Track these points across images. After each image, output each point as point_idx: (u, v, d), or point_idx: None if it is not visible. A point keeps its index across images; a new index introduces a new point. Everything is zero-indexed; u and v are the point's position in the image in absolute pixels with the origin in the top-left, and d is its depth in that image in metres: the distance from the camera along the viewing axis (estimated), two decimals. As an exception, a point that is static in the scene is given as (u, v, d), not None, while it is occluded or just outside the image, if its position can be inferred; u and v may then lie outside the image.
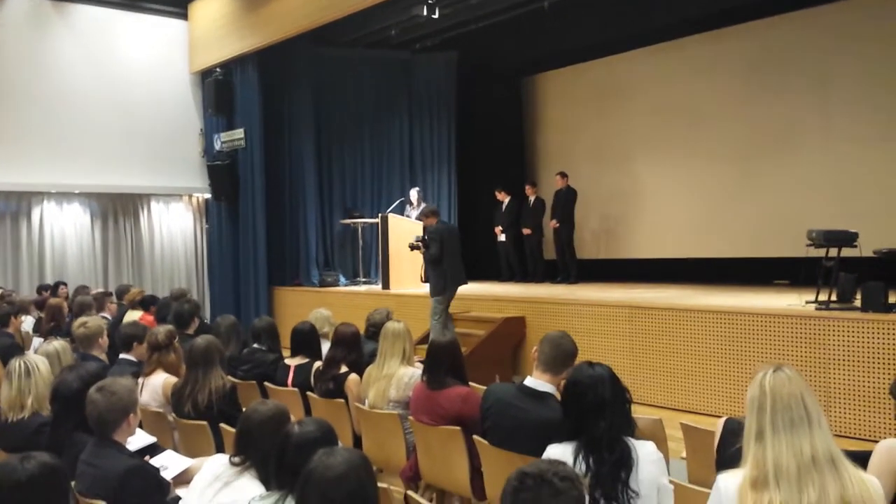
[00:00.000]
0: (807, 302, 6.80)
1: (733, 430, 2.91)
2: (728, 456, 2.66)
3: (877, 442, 2.83)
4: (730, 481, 2.21)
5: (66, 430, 3.34)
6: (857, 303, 6.42)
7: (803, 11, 9.90)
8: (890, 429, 5.48)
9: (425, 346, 4.32)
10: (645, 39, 11.52)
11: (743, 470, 2.18)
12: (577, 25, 11.11)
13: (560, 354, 3.31)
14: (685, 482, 2.98)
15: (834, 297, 6.62)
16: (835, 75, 9.72)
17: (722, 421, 3.14)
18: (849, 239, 6.83)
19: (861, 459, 2.40)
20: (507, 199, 11.87)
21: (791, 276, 9.15)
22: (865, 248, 6.76)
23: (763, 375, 2.23)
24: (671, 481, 2.75)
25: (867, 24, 9.40)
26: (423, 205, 11.77)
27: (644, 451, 2.68)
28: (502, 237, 11.87)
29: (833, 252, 6.89)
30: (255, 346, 5.55)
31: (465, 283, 8.62)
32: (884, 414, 5.82)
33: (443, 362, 4.07)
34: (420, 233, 11.14)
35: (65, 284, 10.61)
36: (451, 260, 8.35)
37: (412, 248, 8.79)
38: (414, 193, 11.87)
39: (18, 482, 2.23)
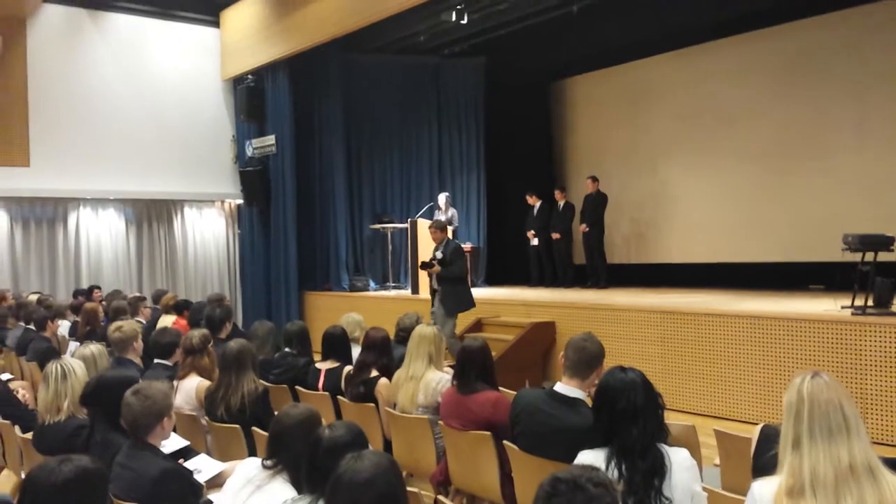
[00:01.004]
0: (843, 307, 6.69)
1: (769, 437, 2.87)
2: (764, 462, 2.62)
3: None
4: (765, 489, 2.17)
5: (101, 433, 3.39)
6: (894, 308, 6.30)
7: (833, 14, 9.78)
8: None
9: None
10: (673, 43, 11.45)
11: (779, 477, 2.15)
12: (605, 29, 11.07)
13: (585, 358, 3.28)
14: (718, 489, 2.95)
15: (870, 302, 6.50)
16: (867, 76, 9.56)
17: (758, 427, 3.09)
18: (885, 243, 6.71)
19: (899, 467, 2.36)
20: (538, 204, 11.84)
21: (826, 281, 9.01)
22: (903, 252, 6.64)
23: (801, 381, 2.19)
24: (704, 488, 2.72)
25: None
26: (451, 210, 11.79)
27: (677, 458, 2.65)
28: (535, 241, 11.83)
29: (869, 256, 6.78)
30: (287, 350, 5.59)
31: (475, 306, 8.39)
32: (923, 421, 5.70)
33: (473, 367, 4.07)
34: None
35: (99, 288, 10.77)
36: (465, 279, 8.17)
37: (425, 266, 8.19)
38: (442, 198, 11.89)
39: (56, 485, 2.26)
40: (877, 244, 6.73)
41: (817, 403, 2.14)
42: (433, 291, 8.21)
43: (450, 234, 11.22)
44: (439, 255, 7.96)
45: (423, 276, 10.68)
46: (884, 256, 6.74)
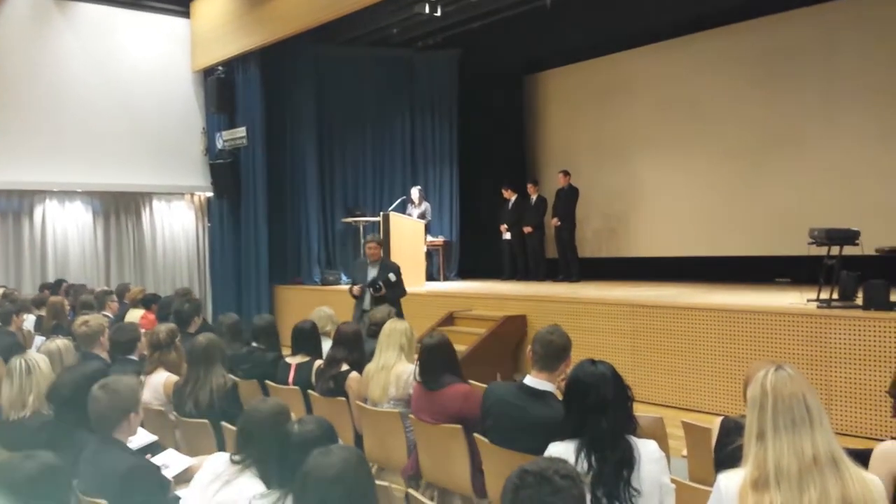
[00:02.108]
0: (808, 300, 6.80)
1: (730, 430, 2.91)
2: (725, 455, 2.65)
3: (879, 440, 2.82)
4: (730, 481, 2.20)
5: (66, 429, 3.35)
6: (859, 301, 6.42)
7: (805, 9, 9.90)
8: (891, 427, 5.47)
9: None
10: (647, 37, 11.53)
11: (744, 470, 2.18)
12: (579, 23, 11.11)
13: (552, 351, 3.30)
14: (686, 480, 2.98)
15: (836, 296, 6.62)
16: (838, 73, 9.70)
17: (718, 420, 3.14)
18: (851, 237, 6.83)
19: (862, 457, 2.40)
20: (513, 197, 11.88)
21: (793, 275, 9.16)
22: (867, 246, 6.76)
23: (764, 375, 2.21)
24: (672, 480, 2.75)
25: (872, 20, 9.38)
26: (424, 204, 11.79)
27: (646, 450, 2.67)
28: (507, 235, 11.87)
29: (835, 250, 6.89)
30: (255, 344, 5.55)
31: None
32: (885, 412, 5.80)
33: (435, 361, 4.06)
34: (420, 237, 11.17)
35: (66, 282, 10.61)
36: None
37: (376, 290, 7.35)
38: (416, 192, 11.88)
39: (20, 481, 2.23)
40: (842, 238, 6.85)
41: (781, 396, 2.16)
42: (363, 312, 7.22)
43: (422, 228, 11.29)
44: (392, 277, 7.43)
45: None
46: (849, 250, 6.86)
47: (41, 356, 3.80)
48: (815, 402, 2.17)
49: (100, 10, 12.39)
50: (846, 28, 9.62)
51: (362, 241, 12.25)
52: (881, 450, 2.73)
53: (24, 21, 11.77)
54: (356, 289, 7.53)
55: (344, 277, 12.45)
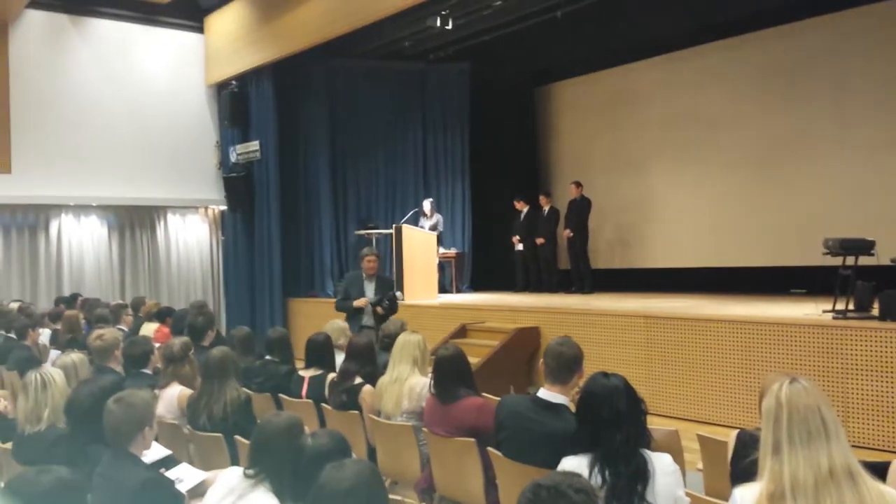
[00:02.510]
0: (824, 311, 6.74)
1: (746, 443, 2.89)
2: (741, 468, 2.63)
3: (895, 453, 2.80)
4: (746, 494, 2.18)
5: (81, 443, 3.36)
6: (875, 312, 6.36)
7: (816, 19, 9.89)
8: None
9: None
10: (657, 48, 11.52)
11: (760, 483, 2.16)
12: (590, 35, 11.12)
13: (563, 363, 3.29)
14: (701, 494, 2.96)
15: (851, 307, 6.56)
16: (850, 82, 9.66)
17: (734, 434, 3.11)
18: (866, 247, 6.77)
19: (879, 470, 2.38)
20: (525, 209, 11.88)
21: (808, 286, 9.08)
22: (883, 256, 6.70)
23: (779, 387, 2.20)
24: (687, 493, 2.73)
25: (882, 30, 9.34)
26: (436, 216, 11.81)
27: (660, 464, 2.66)
28: (520, 246, 11.87)
29: (850, 260, 6.84)
30: (268, 357, 5.56)
31: None
32: (904, 424, 5.75)
33: (450, 374, 4.05)
34: (432, 249, 11.17)
35: (81, 296, 10.68)
36: None
37: (383, 307, 7.19)
38: (427, 204, 11.90)
39: (35, 495, 2.24)
40: (857, 248, 6.79)
41: (796, 409, 2.15)
42: (361, 327, 7.06)
43: (435, 240, 11.30)
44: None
45: (408, 281, 10.69)
46: (864, 260, 6.80)
47: (56, 370, 3.83)
48: (830, 414, 2.15)
49: (114, 26, 12.53)
50: (854, 37, 9.59)
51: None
52: (897, 465, 2.70)
53: (39, 37, 11.92)
54: (363, 301, 7.24)
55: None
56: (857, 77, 9.59)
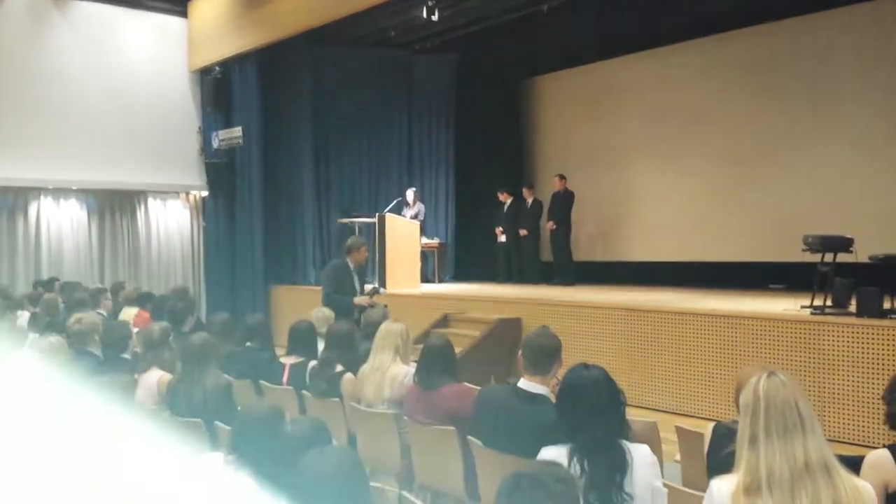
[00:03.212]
0: (802, 307, 6.82)
1: (722, 435, 2.92)
2: (718, 461, 2.66)
3: (871, 447, 2.84)
4: (723, 486, 2.21)
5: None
6: (853, 308, 6.44)
7: (800, 17, 9.94)
8: (884, 433, 5.48)
9: (418, 346, 4.32)
10: (643, 43, 11.56)
11: (736, 475, 2.18)
12: (576, 29, 11.14)
13: (541, 354, 3.31)
14: (679, 485, 2.99)
15: (829, 303, 6.64)
16: (831, 81, 9.74)
17: (711, 426, 3.15)
18: (844, 244, 6.86)
19: (854, 465, 2.41)
20: (508, 201, 11.90)
21: (787, 281, 9.18)
22: (861, 253, 6.79)
23: (757, 380, 2.22)
24: (665, 484, 2.76)
25: (865, 29, 9.42)
26: (418, 205, 11.80)
27: (639, 454, 2.68)
28: (503, 238, 11.89)
29: (829, 257, 6.92)
30: (249, 344, 5.54)
31: None
32: (878, 419, 5.82)
33: (436, 362, 4.09)
34: (415, 238, 11.17)
35: (59, 280, 10.59)
36: None
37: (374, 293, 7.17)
38: (410, 193, 11.90)
39: None
40: (836, 245, 6.88)
41: (773, 402, 2.17)
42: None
43: (418, 230, 11.30)
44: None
45: (391, 270, 10.69)
46: (843, 258, 6.89)
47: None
48: (807, 408, 2.18)
49: (97, 8, 12.37)
50: (838, 37, 9.66)
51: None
52: (872, 458, 2.74)
53: (21, 18, 11.74)
54: (364, 300, 7.01)
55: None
56: (838, 76, 9.66)
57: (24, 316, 7.94)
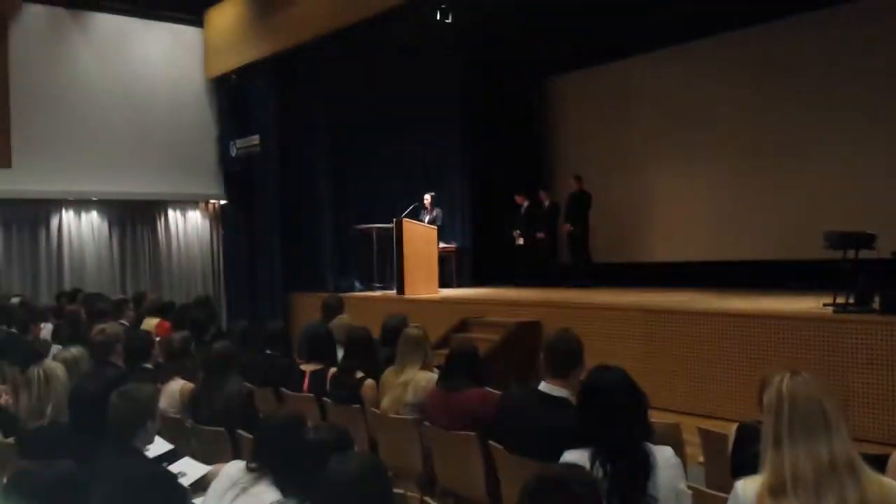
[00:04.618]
0: (824, 305, 6.75)
1: (746, 436, 2.90)
2: (742, 461, 2.64)
3: (896, 447, 2.80)
4: (748, 487, 2.19)
5: (84, 437, 3.36)
6: (876, 305, 6.36)
7: (811, 14, 9.87)
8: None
9: (440, 352, 4.31)
10: (658, 44, 11.50)
11: (761, 476, 2.17)
12: (590, 29, 11.09)
13: (563, 357, 3.30)
14: (703, 487, 2.96)
15: (852, 300, 6.56)
16: (844, 76, 9.66)
17: (735, 426, 3.12)
18: (867, 240, 6.78)
19: (880, 463, 2.39)
20: (525, 203, 11.88)
21: (808, 279, 9.08)
22: (884, 249, 6.70)
23: (780, 380, 2.21)
24: (689, 486, 2.74)
25: (874, 24, 9.34)
26: (436, 210, 11.80)
27: (662, 457, 2.67)
28: (520, 241, 11.87)
29: (851, 254, 6.84)
30: (269, 352, 5.56)
31: None
32: (904, 417, 5.76)
33: (463, 367, 4.09)
34: (433, 242, 11.15)
35: (82, 291, 10.69)
36: None
37: None
38: (428, 198, 11.90)
39: (39, 489, 2.25)
40: (859, 242, 6.80)
41: (797, 401, 2.15)
42: None
43: (435, 234, 11.30)
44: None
45: (409, 275, 10.68)
46: (865, 254, 6.81)
47: (59, 365, 3.83)
48: (831, 407, 2.16)
49: (114, 20, 12.51)
50: (849, 32, 9.58)
51: (376, 247, 12.28)
52: (896, 459, 2.71)
53: (39, 32, 11.90)
54: None
55: (358, 284, 12.43)
56: (852, 71, 9.58)
57: (47, 328, 8.02)
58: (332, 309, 6.75)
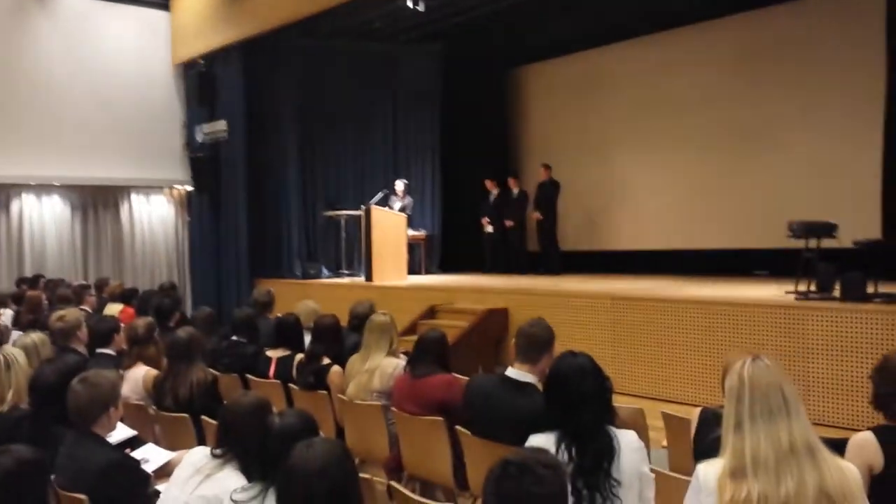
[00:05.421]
0: (787, 292, 6.87)
1: (709, 420, 2.94)
2: (705, 445, 2.68)
3: (856, 430, 2.86)
4: (709, 470, 2.22)
5: (45, 423, 3.32)
6: (837, 293, 6.48)
7: (782, 5, 9.97)
8: (868, 416, 5.54)
9: (408, 338, 4.31)
10: (628, 32, 11.56)
11: (722, 459, 2.20)
12: (561, 18, 11.14)
13: (533, 343, 3.34)
14: (666, 470, 3.01)
15: (813, 288, 6.69)
16: (814, 67, 9.79)
17: (697, 411, 3.17)
18: (828, 230, 6.91)
19: (838, 447, 2.43)
20: (495, 190, 11.90)
21: (771, 267, 9.24)
22: (845, 238, 6.84)
23: (741, 365, 2.23)
24: (652, 470, 2.77)
25: (848, 16, 9.46)
26: (407, 198, 11.77)
27: (625, 440, 2.70)
28: (489, 228, 11.89)
29: (813, 243, 6.97)
30: (235, 338, 5.52)
31: None
32: (862, 402, 5.88)
33: (430, 353, 4.10)
34: (402, 230, 11.14)
35: (43, 277, 10.52)
36: None
37: None
38: (400, 185, 11.86)
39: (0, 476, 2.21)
40: (820, 231, 6.93)
41: (758, 386, 2.18)
42: None
43: (404, 221, 11.28)
44: None
45: (377, 263, 10.66)
46: (827, 243, 6.94)
47: (18, 350, 3.77)
48: (791, 392, 2.19)
49: (78, 1, 12.24)
50: (822, 23, 9.70)
51: (343, 234, 12.23)
52: (856, 440, 2.77)
53: (2, 14, 11.62)
54: None
55: (325, 271, 12.37)
56: (822, 62, 9.71)
57: (6, 314, 7.88)
58: (263, 306, 6.71)
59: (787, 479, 2.10)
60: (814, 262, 6.84)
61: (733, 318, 6.77)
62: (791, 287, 6.89)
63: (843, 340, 6.09)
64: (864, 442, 2.75)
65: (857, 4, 9.36)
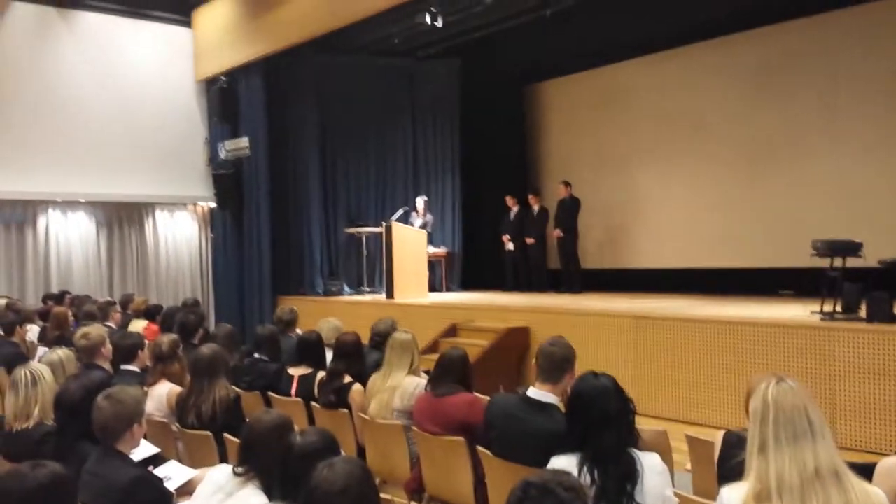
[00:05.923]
0: (812, 312, 6.78)
1: (732, 443, 2.90)
2: (728, 469, 2.65)
3: (884, 455, 2.81)
4: (733, 494, 2.20)
5: (70, 440, 3.34)
6: (863, 313, 6.39)
7: (806, 19, 9.89)
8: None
9: (429, 357, 4.30)
10: (647, 47, 11.53)
11: (746, 483, 2.17)
12: (580, 33, 11.13)
13: (554, 362, 3.32)
14: (690, 494, 2.97)
15: (839, 308, 6.59)
16: (840, 82, 9.69)
17: (721, 434, 3.13)
18: (853, 249, 6.82)
19: (866, 472, 2.40)
20: (515, 207, 11.89)
21: (796, 287, 9.13)
22: (871, 258, 6.75)
23: (766, 387, 2.21)
24: (676, 493, 2.74)
25: (871, 30, 9.38)
26: (428, 215, 11.80)
27: (649, 463, 2.67)
28: (510, 246, 11.87)
29: (838, 262, 6.88)
30: (257, 355, 5.54)
31: None
32: (891, 426, 5.79)
33: (452, 373, 4.08)
34: (422, 247, 11.15)
35: (69, 293, 10.63)
36: None
37: None
38: (420, 202, 11.89)
39: (29, 490, 2.23)
40: (845, 250, 6.84)
41: (782, 408, 2.16)
42: None
43: (425, 238, 11.30)
44: None
45: (398, 280, 10.67)
46: (852, 262, 6.85)
47: (45, 367, 3.81)
48: (816, 414, 2.17)
49: (102, 19, 12.47)
50: (844, 38, 9.61)
51: (365, 251, 12.27)
52: (885, 465, 2.71)
53: (27, 30, 11.84)
54: None
55: (347, 288, 12.42)
56: (845, 78, 9.62)
57: (33, 330, 7.97)
58: (286, 324, 6.79)
59: (812, 503, 2.07)
60: (839, 281, 6.75)
61: (758, 338, 6.69)
62: (816, 307, 6.80)
63: (870, 362, 6.00)
64: (893, 467, 2.70)
65: (882, 17, 9.26)
